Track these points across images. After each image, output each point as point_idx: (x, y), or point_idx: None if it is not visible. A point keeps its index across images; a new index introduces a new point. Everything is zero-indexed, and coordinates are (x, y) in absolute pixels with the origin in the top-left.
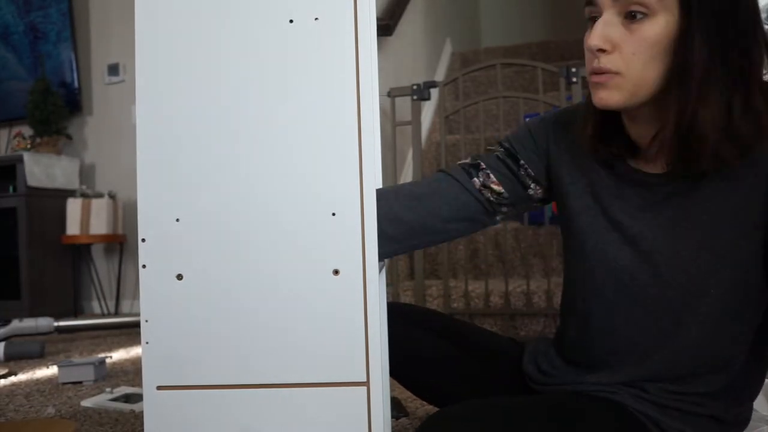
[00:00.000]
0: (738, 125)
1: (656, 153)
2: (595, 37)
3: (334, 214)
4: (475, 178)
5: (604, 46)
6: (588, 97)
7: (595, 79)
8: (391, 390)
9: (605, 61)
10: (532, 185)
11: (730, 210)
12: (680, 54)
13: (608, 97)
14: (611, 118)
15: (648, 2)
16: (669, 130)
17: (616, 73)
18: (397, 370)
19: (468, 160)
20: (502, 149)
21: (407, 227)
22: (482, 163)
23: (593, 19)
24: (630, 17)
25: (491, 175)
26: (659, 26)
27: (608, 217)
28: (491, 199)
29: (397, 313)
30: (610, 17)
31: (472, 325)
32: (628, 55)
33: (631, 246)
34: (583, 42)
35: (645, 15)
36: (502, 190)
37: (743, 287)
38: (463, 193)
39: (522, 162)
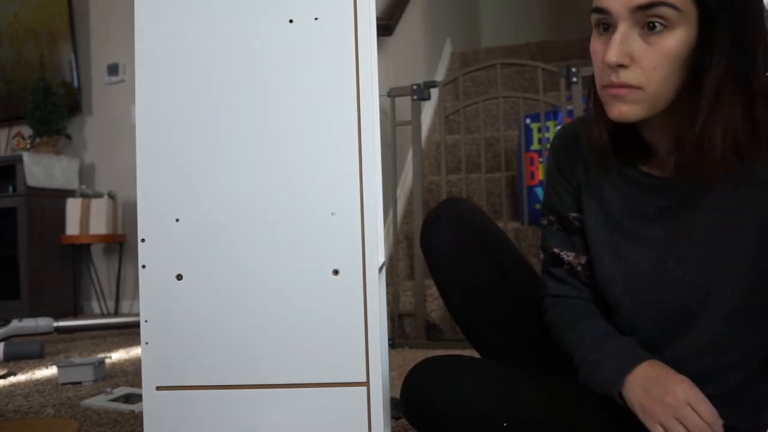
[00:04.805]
0: (743, 134)
1: (668, 156)
2: (614, 53)
3: (334, 214)
4: (570, 282)
5: (623, 62)
6: (597, 109)
7: (613, 92)
8: (391, 390)
9: (625, 76)
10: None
11: (739, 211)
12: (699, 66)
13: (628, 111)
14: (623, 124)
15: (668, 14)
16: (685, 138)
17: (637, 87)
18: (450, 287)
19: (548, 262)
20: (552, 218)
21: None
22: (555, 250)
23: (602, 25)
24: (649, 28)
25: (570, 258)
26: (679, 39)
27: (621, 228)
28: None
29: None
30: (627, 29)
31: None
32: (648, 70)
33: (646, 253)
34: (583, 42)
35: (664, 27)
36: (584, 259)
37: (758, 286)
38: (584, 291)
39: (572, 215)
